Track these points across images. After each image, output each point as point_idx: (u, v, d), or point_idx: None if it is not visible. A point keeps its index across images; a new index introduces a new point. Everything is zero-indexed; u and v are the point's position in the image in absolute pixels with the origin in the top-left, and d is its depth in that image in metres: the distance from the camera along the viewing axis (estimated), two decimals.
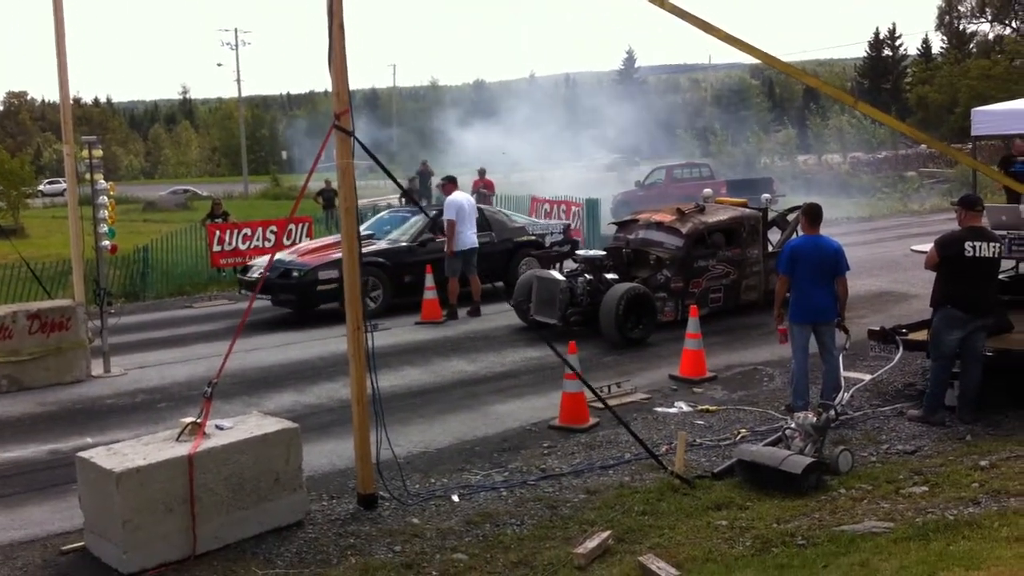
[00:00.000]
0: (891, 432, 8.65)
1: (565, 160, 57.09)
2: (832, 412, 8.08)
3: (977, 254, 8.54)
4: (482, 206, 19.51)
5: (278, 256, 15.62)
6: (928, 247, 9.22)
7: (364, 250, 14.72)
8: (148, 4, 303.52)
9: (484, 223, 16.46)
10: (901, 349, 9.65)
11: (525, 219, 19.48)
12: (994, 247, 8.64)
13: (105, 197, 11.85)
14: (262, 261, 16.05)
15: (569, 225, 17.71)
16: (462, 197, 15.03)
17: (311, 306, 15.03)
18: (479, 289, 15.00)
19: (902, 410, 9.20)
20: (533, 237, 17.52)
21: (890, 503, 6.79)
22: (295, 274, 14.83)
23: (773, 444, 7.79)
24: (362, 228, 16.68)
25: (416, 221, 16.23)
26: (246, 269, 16.16)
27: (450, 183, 15.41)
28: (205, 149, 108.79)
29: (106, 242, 11.92)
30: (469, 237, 14.79)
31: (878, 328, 10.18)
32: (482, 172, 30.38)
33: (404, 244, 15.71)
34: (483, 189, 27.98)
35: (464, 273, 14.94)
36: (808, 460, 7.19)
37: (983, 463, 7.51)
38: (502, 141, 47.11)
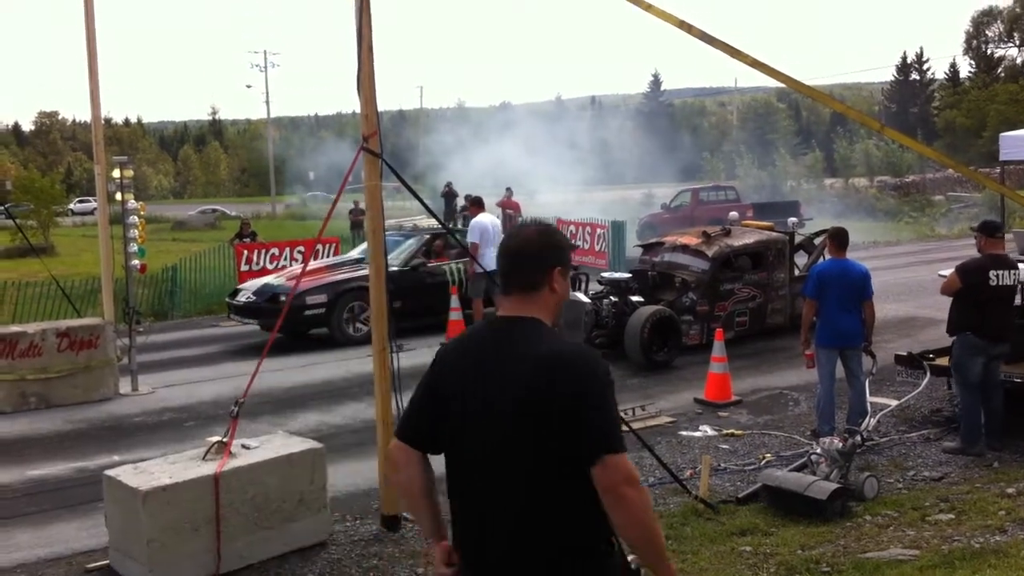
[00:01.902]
0: (917, 458, 8.58)
1: (589, 182, 57.17)
2: (858, 438, 8.03)
3: (1000, 282, 8.48)
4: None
5: (266, 280, 15.64)
6: (950, 271, 9.17)
7: (355, 274, 14.96)
8: (179, 26, 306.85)
9: None
10: (928, 374, 9.59)
11: None
12: (1015, 274, 8.60)
13: (136, 217, 11.97)
14: (251, 285, 15.77)
15: (576, 247, 17.60)
16: (487, 219, 15.04)
17: (298, 331, 14.85)
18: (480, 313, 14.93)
19: (929, 436, 9.13)
20: None
21: (916, 530, 6.74)
22: (283, 298, 14.31)
23: (798, 469, 7.74)
24: (356, 252, 16.81)
25: (408, 245, 16.08)
26: (235, 293, 15.90)
27: (475, 205, 15.45)
28: (234, 169, 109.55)
29: (136, 261, 12.03)
30: (493, 258, 14.82)
31: (905, 353, 10.12)
32: (509, 192, 30.50)
33: (395, 268, 15.27)
34: (508, 210, 28.08)
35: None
36: (834, 486, 7.14)
37: (1010, 490, 7.44)
38: (528, 163, 47.19)
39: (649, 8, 5.28)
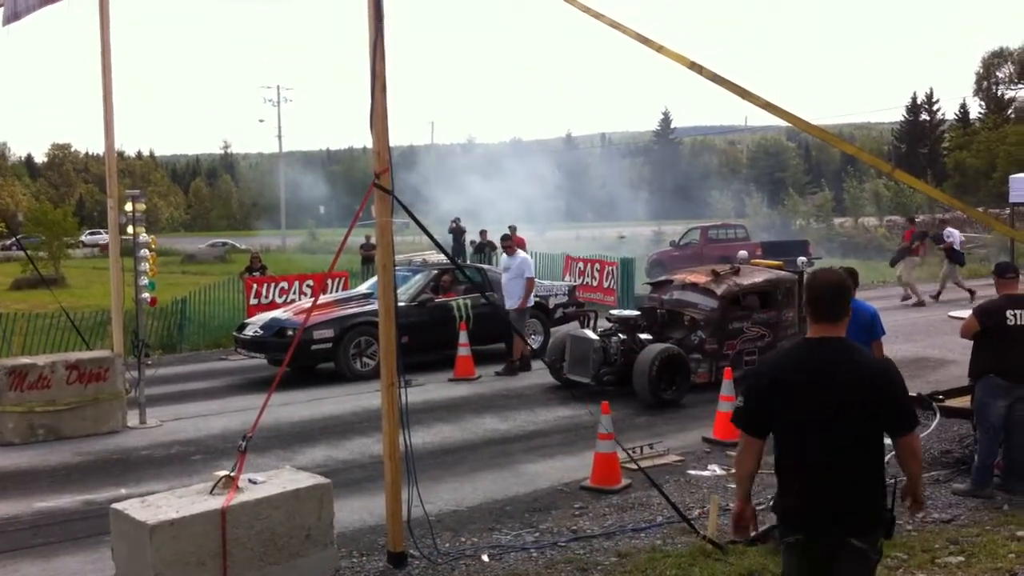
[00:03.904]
0: (927, 500, 8.52)
1: (598, 218, 57.35)
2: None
3: (1018, 322, 8.45)
4: (486, 267, 19.63)
5: (273, 314, 15.67)
6: (965, 313, 9.15)
7: (363, 309, 15.00)
8: (193, 60, 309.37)
9: (488, 284, 16.50)
10: (938, 416, 9.54)
11: None
12: None
13: (147, 250, 12.03)
14: (258, 319, 15.82)
15: (574, 287, 17.55)
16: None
17: (305, 365, 14.84)
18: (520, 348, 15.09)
19: (939, 478, 9.08)
20: (537, 299, 17.25)
21: (926, 573, 6.69)
22: (290, 333, 14.50)
23: None
24: (364, 287, 16.86)
25: (416, 281, 16.13)
26: (243, 327, 15.90)
27: (510, 243, 15.53)
28: (246, 203, 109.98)
29: (146, 294, 12.08)
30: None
31: (915, 394, 10.08)
32: (512, 229, 30.57)
33: (403, 304, 15.36)
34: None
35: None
36: None
37: (1020, 533, 7.40)
38: (537, 200, 47.32)
39: (661, 49, 5.33)
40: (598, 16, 5.72)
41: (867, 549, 4.27)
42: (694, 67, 5.23)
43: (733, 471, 9.38)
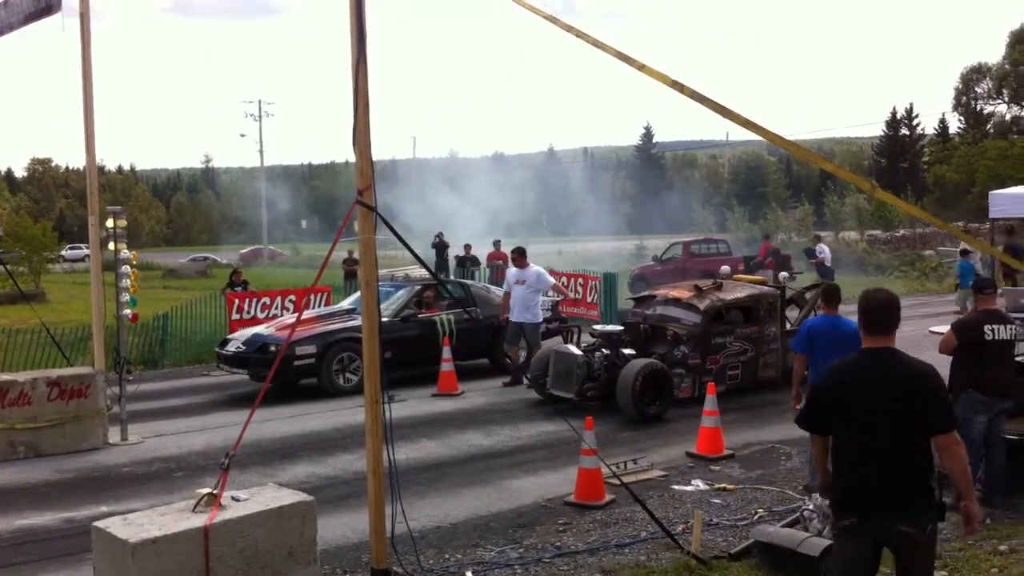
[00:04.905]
0: None
1: (582, 233, 57.44)
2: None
3: (996, 337, 8.52)
4: (468, 282, 19.65)
5: (256, 330, 15.61)
6: (945, 328, 9.21)
7: (345, 325, 14.99)
8: (173, 75, 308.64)
9: (469, 299, 16.52)
10: None
11: None
12: (1011, 329, 8.64)
13: (128, 267, 11.98)
14: (240, 335, 15.74)
15: (557, 302, 17.61)
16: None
17: (288, 381, 14.80)
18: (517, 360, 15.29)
19: None
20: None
21: None
22: (272, 348, 14.49)
23: (791, 525, 7.73)
24: (346, 303, 16.84)
25: (399, 296, 16.12)
26: (225, 343, 15.82)
27: (521, 256, 15.58)
28: (228, 218, 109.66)
29: (127, 311, 12.02)
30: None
31: None
32: (497, 244, 30.63)
33: (385, 319, 15.19)
34: (498, 261, 28.16)
35: (511, 343, 15.48)
36: (826, 543, 7.10)
37: (1002, 547, 7.44)
38: (518, 213, 47.46)
39: (643, 68, 5.35)
40: (581, 35, 5.75)
41: (915, 534, 4.79)
42: (676, 85, 5.26)
43: (717, 486, 9.44)
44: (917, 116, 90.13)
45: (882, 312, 4.99)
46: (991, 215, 14.84)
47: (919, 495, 4.83)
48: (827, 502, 7.39)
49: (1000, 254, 11.79)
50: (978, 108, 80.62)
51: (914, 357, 5.00)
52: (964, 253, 22.35)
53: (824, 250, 28.47)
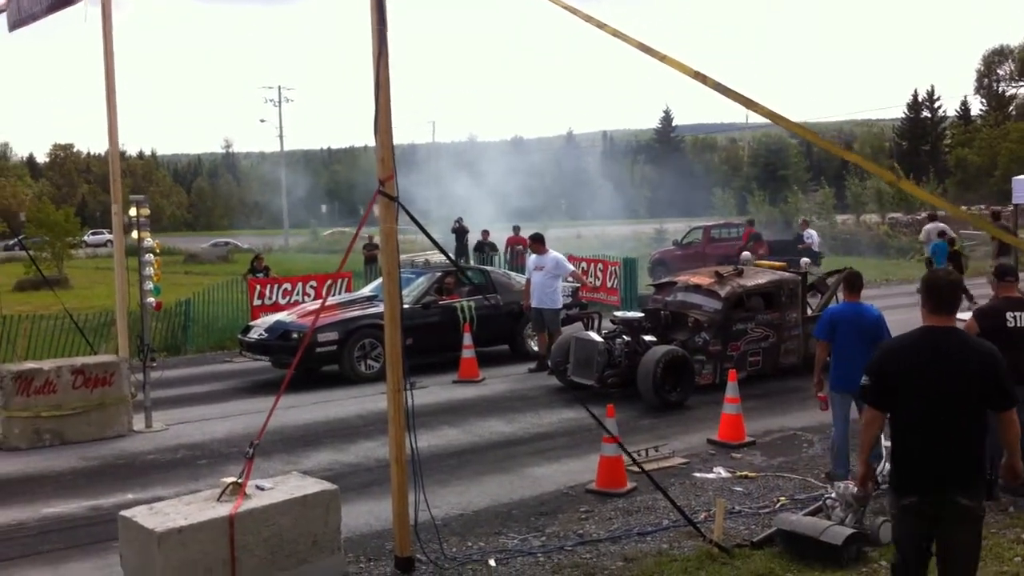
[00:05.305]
0: None
1: (600, 217, 57.33)
2: (873, 482, 8.00)
3: (1018, 324, 8.46)
4: (489, 268, 19.64)
5: (278, 317, 15.67)
6: (966, 315, 9.16)
7: (367, 312, 15.01)
8: (193, 60, 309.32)
9: (490, 286, 16.55)
10: None
11: None
12: None
13: (151, 255, 12.04)
14: (263, 321, 15.81)
15: (578, 288, 17.57)
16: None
17: (309, 368, 14.81)
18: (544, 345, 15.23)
19: None
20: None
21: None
22: (295, 335, 14.57)
23: (813, 513, 7.73)
24: (367, 289, 16.87)
25: (420, 283, 16.13)
26: (247, 329, 15.89)
27: (539, 242, 15.60)
28: (248, 202, 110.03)
29: (151, 299, 12.09)
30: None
31: None
32: (516, 229, 30.58)
33: (406, 306, 15.31)
34: (518, 246, 28.13)
35: (536, 330, 15.63)
36: (849, 531, 7.13)
37: None
38: (537, 197, 47.36)
39: (664, 59, 5.34)
40: (601, 26, 5.74)
41: (973, 507, 4.99)
42: (698, 76, 5.24)
43: (739, 474, 9.44)
44: (939, 98, 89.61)
45: (947, 292, 5.17)
46: (1014, 200, 14.74)
47: (977, 469, 5.06)
48: (855, 490, 7.42)
49: (1005, 235, 11.70)
50: (1000, 90, 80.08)
51: (975, 337, 5.42)
52: (941, 234, 22.88)
53: (812, 235, 28.87)
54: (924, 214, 29.77)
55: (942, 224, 24.89)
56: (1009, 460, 5.24)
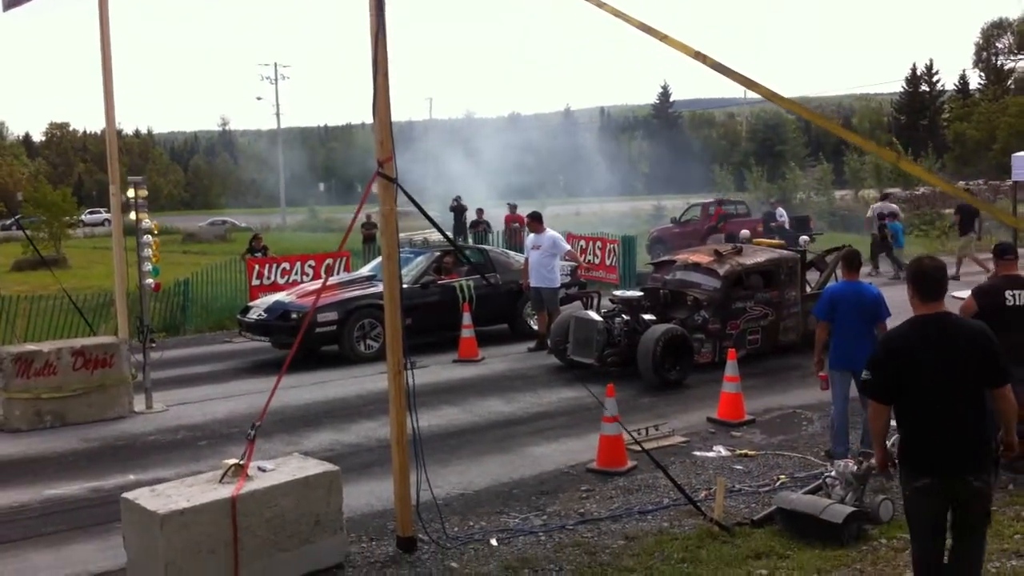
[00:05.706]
0: None
1: (598, 194, 57.22)
2: (873, 460, 8.02)
3: (1017, 302, 8.46)
4: (488, 247, 19.64)
5: (277, 297, 15.68)
6: (966, 293, 9.16)
7: (366, 292, 15.01)
8: (189, 37, 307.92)
9: (488, 265, 16.54)
10: None
11: None
12: None
13: (150, 236, 12.02)
14: (262, 302, 15.81)
15: (576, 267, 17.53)
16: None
17: (309, 348, 14.71)
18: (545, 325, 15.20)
19: None
20: None
21: None
22: (294, 316, 14.57)
23: (813, 492, 7.75)
24: (366, 269, 16.85)
25: (419, 263, 16.10)
26: (246, 310, 15.92)
27: (537, 221, 15.60)
28: (245, 180, 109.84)
29: (150, 280, 12.08)
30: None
31: None
32: (513, 207, 30.56)
33: (405, 286, 15.18)
34: (515, 224, 28.12)
35: (536, 309, 15.70)
36: (849, 509, 7.15)
37: None
38: (536, 174, 47.24)
39: (665, 39, 5.32)
40: (600, 5, 5.71)
41: (984, 487, 5.15)
42: (698, 56, 5.22)
43: (739, 452, 9.45)
44: (937, 72, 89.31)
45: (935, 279, 5.33)
46: (1014, 177, 14.71)
47: (985, 450, 5.19)
48: (854, 468, 7.46)
49: (997, 211, 11.70)
50: (999, 64, 79.84)
51: (965, 318, 5.69)
52: (892, 215, 23.94)
53: (783, 214, 29.45)
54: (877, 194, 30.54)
55: (892, 205, 25.30)
56: (1005, 436, 5.35)
